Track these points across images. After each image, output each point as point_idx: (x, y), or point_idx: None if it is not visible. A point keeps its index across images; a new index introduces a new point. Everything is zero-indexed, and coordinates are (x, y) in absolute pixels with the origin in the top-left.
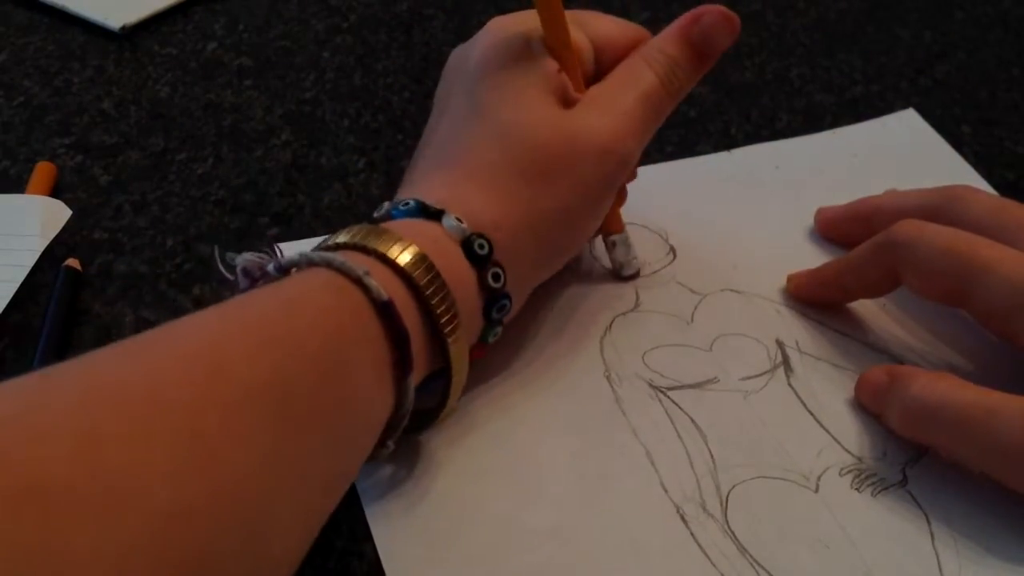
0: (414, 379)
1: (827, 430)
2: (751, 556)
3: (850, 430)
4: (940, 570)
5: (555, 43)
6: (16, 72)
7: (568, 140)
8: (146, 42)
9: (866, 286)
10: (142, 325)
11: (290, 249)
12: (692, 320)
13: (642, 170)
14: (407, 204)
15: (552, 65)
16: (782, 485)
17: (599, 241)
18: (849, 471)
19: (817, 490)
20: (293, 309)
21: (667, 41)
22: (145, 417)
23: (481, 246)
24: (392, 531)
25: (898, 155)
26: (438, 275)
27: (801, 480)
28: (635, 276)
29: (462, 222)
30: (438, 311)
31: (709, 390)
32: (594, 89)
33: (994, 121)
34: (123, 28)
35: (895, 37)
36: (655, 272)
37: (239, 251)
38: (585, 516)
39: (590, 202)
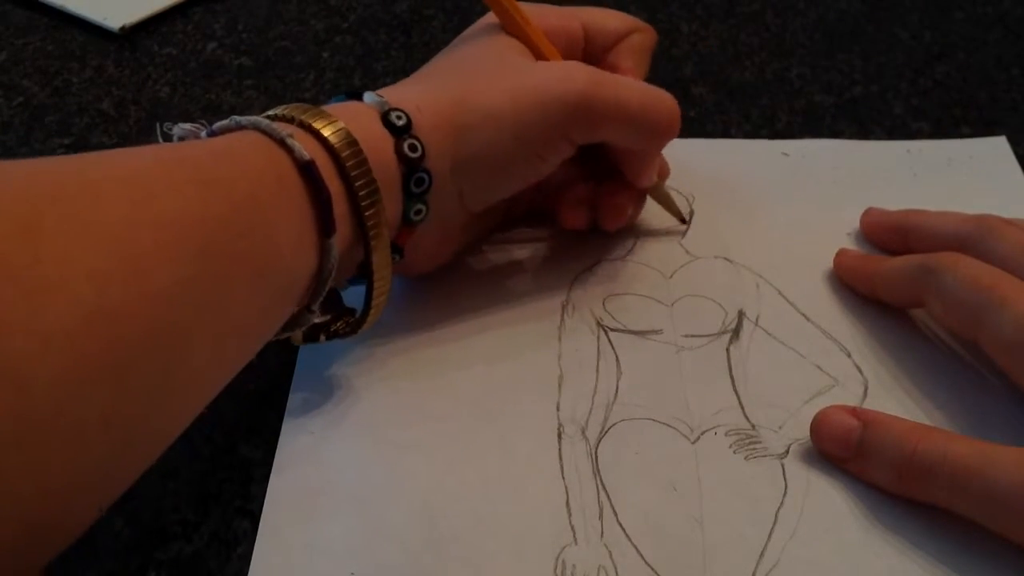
0: (337, 243)
1: (737, 394)
2: (600, 479)
3: (759, 400)
4: (769, 536)
5: (509, 27)
6: (16, 72)
7: (516, 65)
8: (146, 42)
9: (891, 294)
10: None
11: None
12: (671, 277)
13: (699, 142)
14: (339, 96)
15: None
16: (664, 430)
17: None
18: (735, 434)
19: (695, 442)
20: (221, 159)
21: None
22: (82, 219)
23: (399, 117)
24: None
25: (966, 180)
26: (356, 143)
27: (685, 430)
28: (684, 223)
29: (383, 97)
30: (353, 174)
31: (649, 339)
32: None
33: (994, 121)
34: (123, 28)
35: (895, 37)
36: (664, 229)
37: None
38: (470, 424)
39: (522, 121)
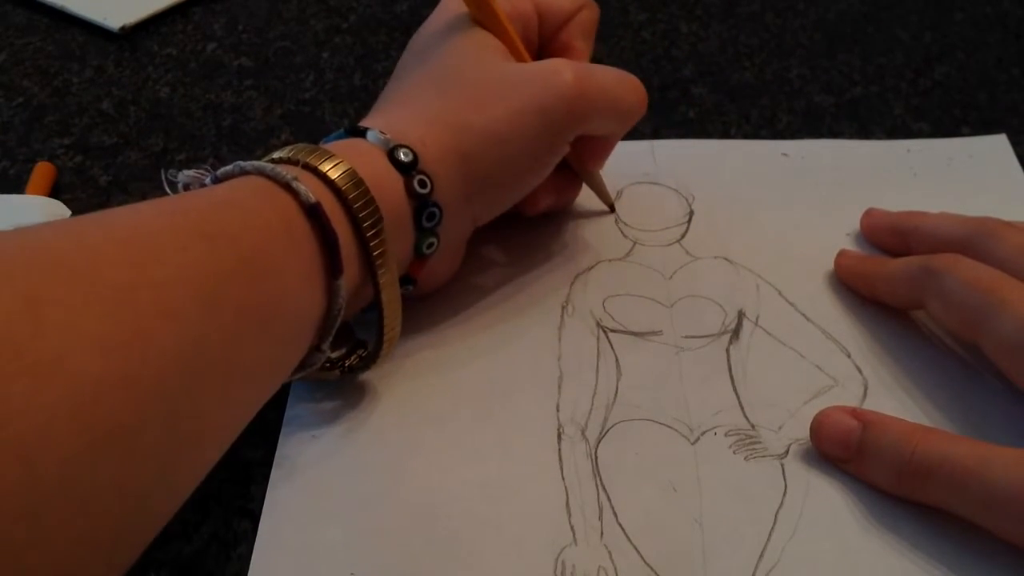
0: (345, 283)
1: (737, 395)
2: (600, 480)
3: (759, 400)
4: (769, 536)
5: (484, 21)
6: (16, 72)
7: (502, 74)
8: (146, 42)
9: (892, 295)
10: None
11: None
12: (671, 277)
13: (699, 142)
14: (338, 132)
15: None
16: (664, 431)
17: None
18: (735, 434)
19: (695, 443)
20: (225, 209)
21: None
22: (82, 287)
23: (406, 154)
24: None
25: (966, 179)
26: (362, 183)
27: (685, 431)
28: (613, 209)
29: (386, 134)
30: (361, 215)
31: (649, 340)
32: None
33: (994, 121)
34: (123, 28)
35: (895, 37)
36: (665, 229)
37: None
38: (470, 425)
39: (527, 136)
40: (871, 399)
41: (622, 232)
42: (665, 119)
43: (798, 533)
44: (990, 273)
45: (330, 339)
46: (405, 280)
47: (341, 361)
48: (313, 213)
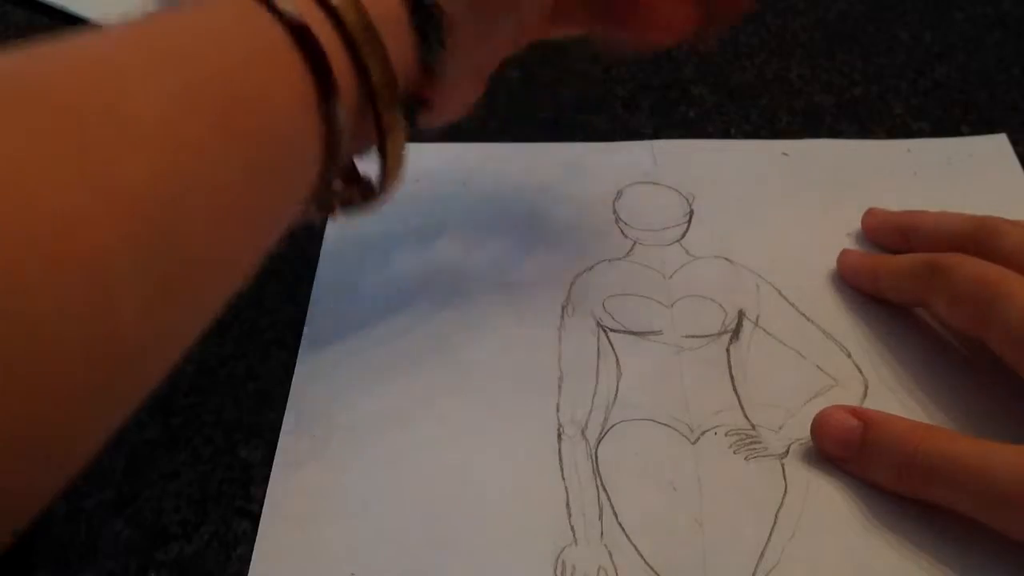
0: (343, 109)
1: (737, 394)
2: (600, 480)
3: (759, 400)
4: (769, 536)
5: None
6: None
7: None
8: None
9: (896, 292)
10: None
11: None
12: (671, 277)
13: (699, 142)
14: None
15: None
16: (664, 431)
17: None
18: (735, 434)
19: (695, 442)
20: (195, 27)
21: None
22: (39, 118)
23: None
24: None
25: (967, 178)
26: None
27: (685, 431)
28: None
29: None
30: (351, 27)
31: (649, 340)
32: None
33: (994, 121)
34: None
35: (895, 37)
36: (665, 229)
37: None
38: (470, 425)
39: None
40: (871, 399)
41: (622, 232)
42: (665, 119)
43: (798, 533)
44: (995, 269)
45: (334, 168)
46: (419, 103)
47: (341, 194)
48: (299, 33)
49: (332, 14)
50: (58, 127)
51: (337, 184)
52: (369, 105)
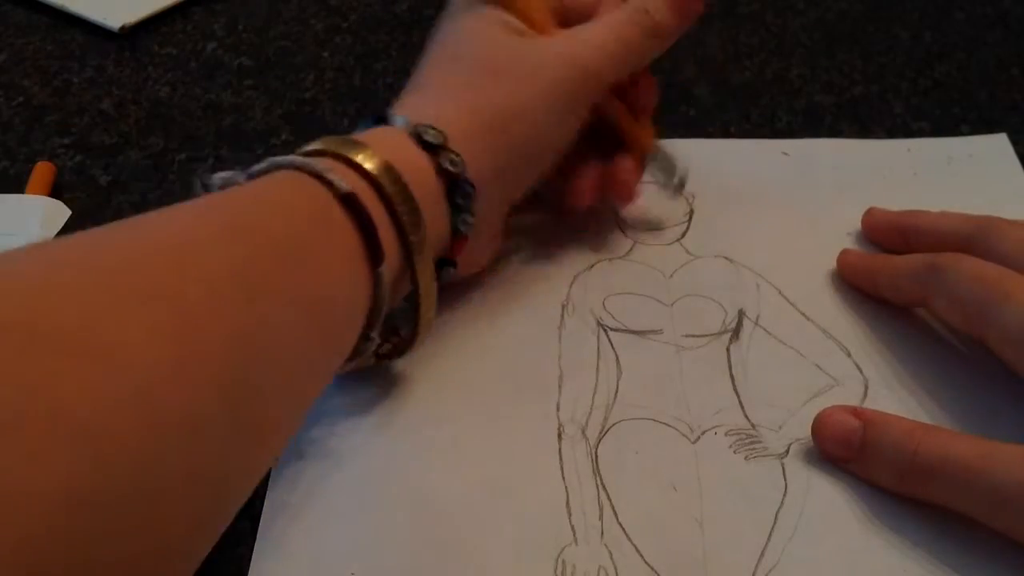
0: (387, 270)
1: (737, 394)
2: (601, 479)
3: (759, 400)
4: (769, 536)
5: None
6: (16, 72)
7: (520, 52)
8: (146, 42)
9: (896, 292)
10: None
11: None
12: (671, 276)
13: (699, 142)
14: (365, 122)
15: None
16: (665, 430)
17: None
18: (735, 434)
19: (695, 442)
20: (258, 201)
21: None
22: (125, 287)
23: (433, 135)
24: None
25: (967, 178)
26: (393, 168)
27: (685, 430)
28: (682, 188)
29: (411, 118)
30: (395, 200)
31: (649, 339)
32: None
33: (994, 121)
34: (123, 28)
35: (895, 37)
36: (665, 229)
37: None
38: (470, 424)
39: (551, 108)
40: (871, 398)
41: (622, 231)
42: (665, 119)
43: (798, 533)
44: (994, 268)
45: (379, 327)
46: (445, 263)
47: (377, 348)
48: (348, 201)
49: (374, 184)
50: (158, 293)
51: (374, 337)
52: (407, 266)
